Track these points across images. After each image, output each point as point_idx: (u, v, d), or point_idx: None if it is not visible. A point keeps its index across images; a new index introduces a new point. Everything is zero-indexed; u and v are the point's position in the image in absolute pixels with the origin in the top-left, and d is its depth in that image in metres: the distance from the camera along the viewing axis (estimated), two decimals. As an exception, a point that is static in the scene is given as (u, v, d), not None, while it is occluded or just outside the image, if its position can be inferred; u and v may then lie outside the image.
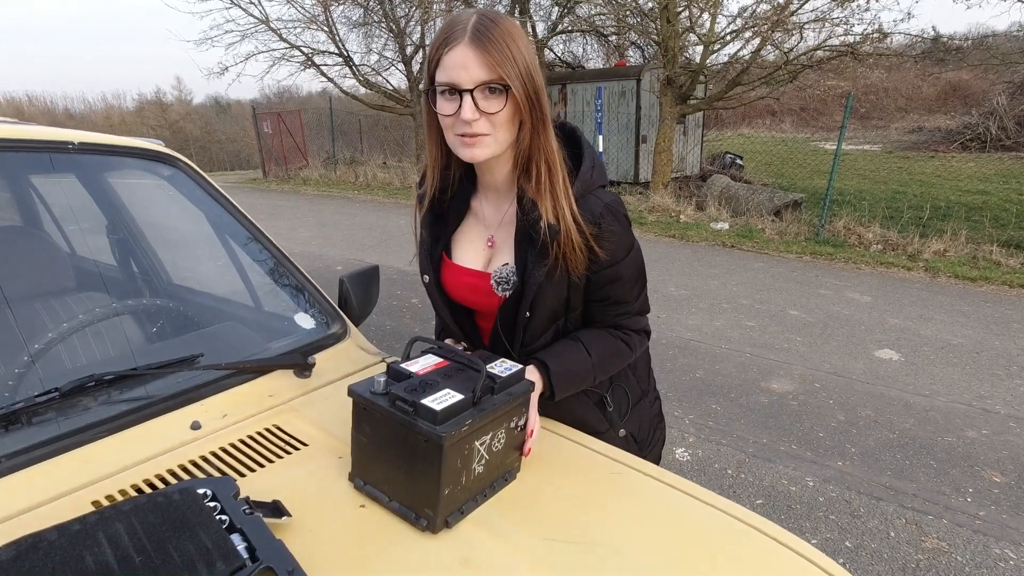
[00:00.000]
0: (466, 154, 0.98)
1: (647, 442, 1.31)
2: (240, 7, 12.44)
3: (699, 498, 0.98)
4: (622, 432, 1.24)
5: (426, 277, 1.16)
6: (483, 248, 1.14)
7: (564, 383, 1.08)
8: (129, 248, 1.58)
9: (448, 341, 1.25)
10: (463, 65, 0.91)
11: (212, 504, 0.78)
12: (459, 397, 0.85)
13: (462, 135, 0.96)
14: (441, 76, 0.94)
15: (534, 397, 1.03)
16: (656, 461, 1.36)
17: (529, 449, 1.01)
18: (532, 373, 1.06)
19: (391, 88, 13.98)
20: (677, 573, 0.82)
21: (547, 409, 1.15)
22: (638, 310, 1.16)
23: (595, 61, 14.55)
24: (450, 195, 1.14)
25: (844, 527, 2.39)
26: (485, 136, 0.96)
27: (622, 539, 0.87)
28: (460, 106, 0.93)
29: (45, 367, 1.11)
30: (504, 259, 1.10)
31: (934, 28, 8.83)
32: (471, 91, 0.92)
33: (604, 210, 1.03)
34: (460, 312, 1.19)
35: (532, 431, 1.01)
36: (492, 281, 1.09)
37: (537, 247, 1.01)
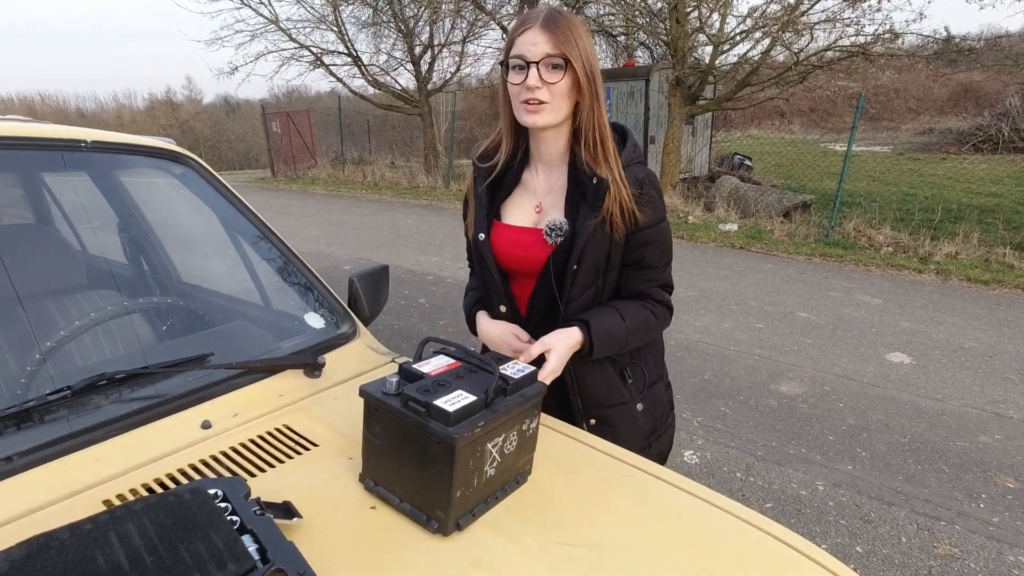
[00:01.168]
0: (528, 120, 1.15)
1: (661, 424, 1.39)
2: (250, 7, 12.49)
3: (710, 501, 0.97)
4: (639, 406, 1.32)
5: (481, 235, 1.26)
6: (532, 213, 1.26)
7: (602, 340, 1.18)
8: (141, 246, 1.58)
9: (482, 314, 1.33)
10: (532, 43, 1.10)
11: (223, 505, 0.78)
12: (472, 398, 0.84)
13: (526, 102, 1.12)
14: (514, 52, 1.13)
15: (566, 348, 1.15)
16: (668, 448, 1.42)
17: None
18: (574, 333, 1.17)
19: (399, 88, 14.00)
20: (691, 578, 0.81)
21: (579, 379, 1.26)
22: (663, 282, 1.27)
23: (603, 61, 14.50)
24: (510, 167, 1.28)
25: (855, 532, 2.37)
26: (545, 104, 1.12)
27: (633, 542, 0.86)
28: (527, 76, 1.10)
29: (56, 365, 1.11)
30: (553, 217, 1.22)
31: (946, 28, 8.73)
32: (537, 63, 1.10)
33: (645, 177, 1.20)
34: (502, 276, 1.29)
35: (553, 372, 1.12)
36: (544, 230, 1.20)
37: (589, 202, 1.16)
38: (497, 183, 1.28)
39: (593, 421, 1.28)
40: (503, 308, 1.29)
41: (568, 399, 1.28)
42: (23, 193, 1.58)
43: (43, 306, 1.24)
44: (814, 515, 2.47)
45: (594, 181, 1.15)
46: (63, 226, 1.58)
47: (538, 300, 1.24)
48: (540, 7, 1.14)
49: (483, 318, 1.32)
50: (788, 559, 0.86)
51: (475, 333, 1.35)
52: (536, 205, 1.25)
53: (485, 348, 1.35)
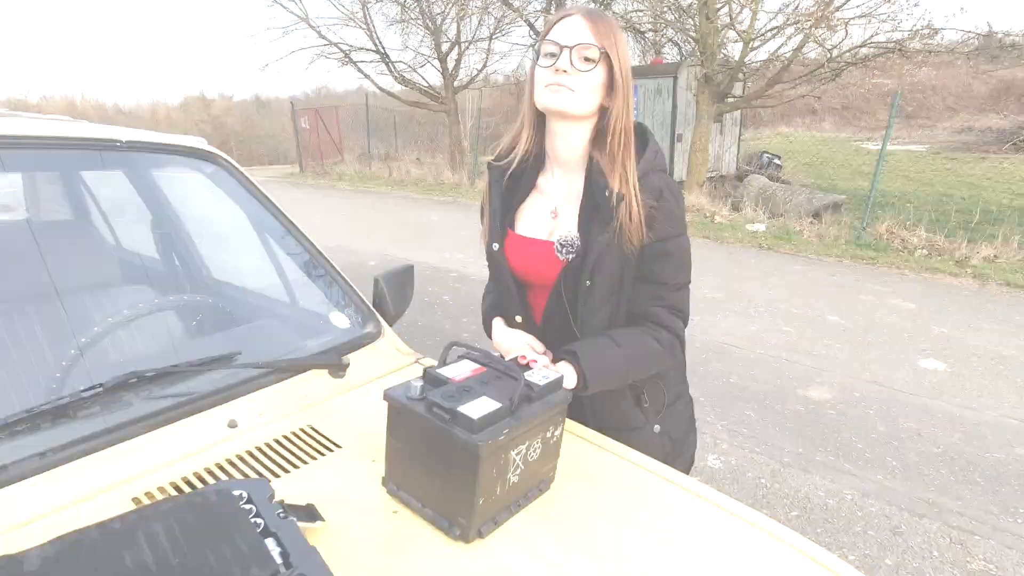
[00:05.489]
0: (547, 99, 1.08)
1: (682, 443, 1.33)
2: (281, 4, 12.68)
3: (735, 513, 0.96)
4: (657, 428, 1.27)
5: (495, 245, 1.22)
6: (547, 219, 1.21)
7: (596, 369, 1.09)
8: (172, 244, 1.61)
9: (498, 321, 1.28)
10: (571, 29, 1.06)
11: (248, 507, 0.78)
12: (497, 405, 0.83)
13: (550, 84, 1.07)
14: (549, 37, 1.08)
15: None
16: (689, 464, 1.37)
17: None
18: (564, 367, 1.08)
19: (426, 84, 14.08)
20: (716, 595, 0.79)
21: (591, 412, 1.22)
22: (672, 304, 1.17)
23: (631, 58, 14.39)
24: (523, 169, 1.22)
25: (884, 544, 2.31)
26: (569, 90, 1.06)
27: (655, 556, 0.85)
28: (558, 58, 1.06)
29: (87, 361, 1.13)
30: (567, 228, 1.17)
31: (988, 24, 8.48)
32: (571, 48, 1.05)
33: (664, 187, 1.12)
34: (517, 286, 1.25)
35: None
36: (555, 245, 1.16)
37: (602, 214, 1.10)
38: (513, 186, 1.23)
39: None
40: (519, 318, 1.25)
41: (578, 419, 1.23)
42: (61, 191, 1.62)
43: (76, 301, 1.26)
44: (842, 525, 2.41)
45: (606, 193, 1.09)
46: (98, 222, 1.61)
47: (553, 314, 1.19)
48: (580, 5, 1.14)
49: (499, 326, 1.28)
50: (814, 574, 0.84)
51: (491, 337, 1.31)
52: (552, 210, 1.20)
53: None
